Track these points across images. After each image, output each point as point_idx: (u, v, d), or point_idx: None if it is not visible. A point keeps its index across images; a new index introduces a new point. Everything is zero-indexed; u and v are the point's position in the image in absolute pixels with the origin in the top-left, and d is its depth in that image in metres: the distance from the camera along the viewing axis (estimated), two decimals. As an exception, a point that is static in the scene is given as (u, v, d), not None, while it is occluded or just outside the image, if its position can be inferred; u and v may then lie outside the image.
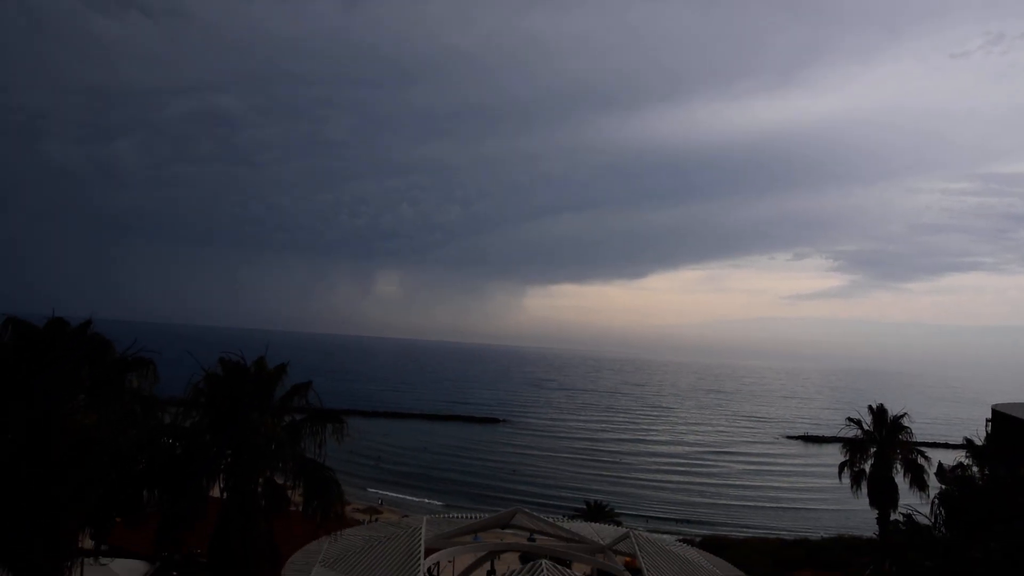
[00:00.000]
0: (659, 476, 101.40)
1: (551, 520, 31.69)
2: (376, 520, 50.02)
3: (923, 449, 39.53)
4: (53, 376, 18.56)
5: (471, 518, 31.46)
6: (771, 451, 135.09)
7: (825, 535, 60.08)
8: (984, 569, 16.05)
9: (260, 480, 20.88)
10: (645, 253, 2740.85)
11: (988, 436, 30.31)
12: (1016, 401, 35.70)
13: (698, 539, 54.62)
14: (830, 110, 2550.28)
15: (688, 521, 74.39)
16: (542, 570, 19.92)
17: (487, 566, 37.81)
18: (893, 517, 34.12)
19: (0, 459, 16.83)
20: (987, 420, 31.92)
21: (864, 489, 38.72)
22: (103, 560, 29.59)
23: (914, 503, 27.64)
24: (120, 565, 31.19)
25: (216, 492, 20.65)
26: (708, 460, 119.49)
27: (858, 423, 40.28)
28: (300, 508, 20.75)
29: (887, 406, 40.72)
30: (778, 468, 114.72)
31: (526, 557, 32.78)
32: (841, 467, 40.14)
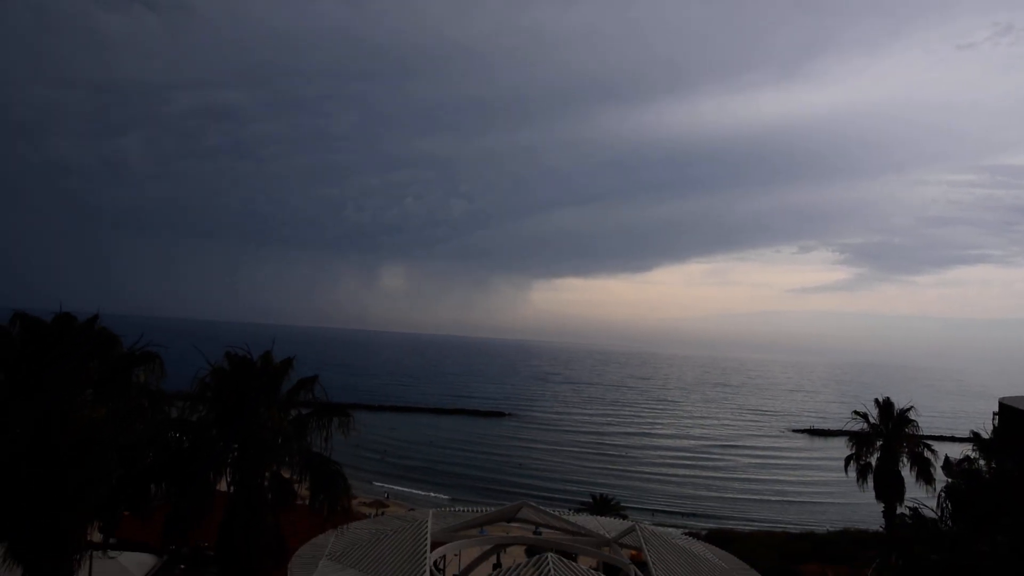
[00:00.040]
0: (665, 470, 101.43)
1: (557, 513, 31.74)
2: (382, 514, 50.27)
3: (929, 442, 39.39)
4: (61, 371, 18.65)
5: (477, 512, 31.50)
6: (777, 445, 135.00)
7: (831, 528, 60.10)
8: (991, 563, 16.00)
9: (267, 474, 20.93)
10: (650, 246, 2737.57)
11: (995, 429, 30.10)
12: (1023, 395, 35.51)
13: (704, 532, 54.57)
14: (835, 102, 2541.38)
15: (694, 514, 74.48)
16: (548, 563, 19.92)
17: (493, 559, 37.91)
18: (899, 511, 34.09)
19: (9, 453, 16.94)
20: (994, 413, 31.69)
21: (870, 483, 38.66)
22: (111, 553, 29.85)
23: (920, 497, 27.61)
24: (128, 558, 31.43)
25: (223, 486, 20.72)
26: (714, 454, 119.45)
27: (864, 417, 40.18)
28: (307, 502, 20.79)
29: (893, 399, 40.64)
30: (784, 462, 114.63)
31: (532, 550, 32.88)
32: (847, 461, 40.06)
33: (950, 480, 21.20)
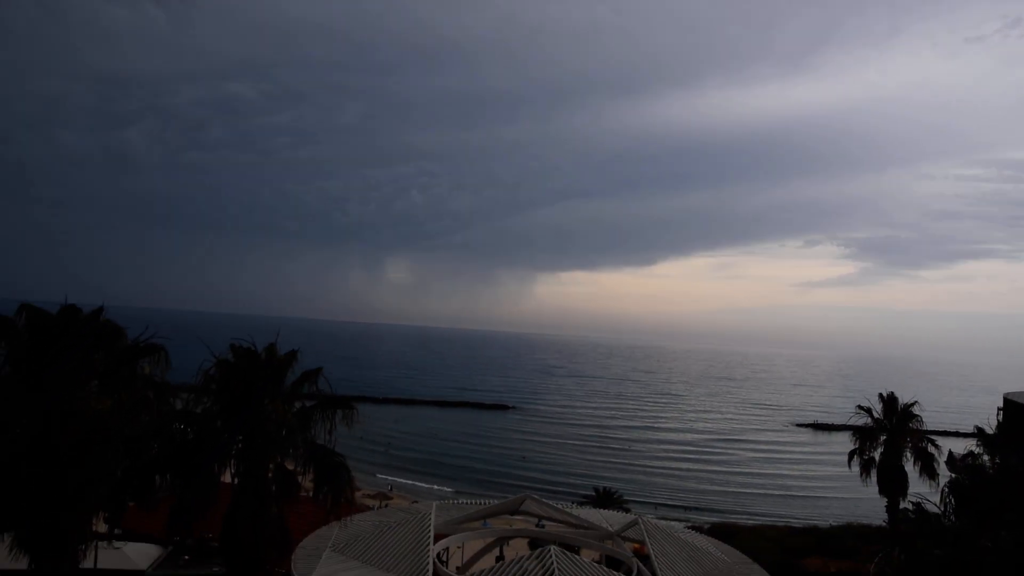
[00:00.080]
0: (668, 463, 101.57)
1: (560, 506, 31.81)
2: (386, 506, 50.40)
3: (933, 437, 39.36)
4: (66, 362, 18.71)
5: (480, 504, 31.61)
6: (781, 439, 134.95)
7: (834, 523, 60.03)
8: (994, 558, 15.98)
9: (271, 466, 20.98)
10: (655, 240, 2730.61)
11: (1000, 425, 30.03)
12: (1029, 390, 35.37)
13: (707, 526, 54.66)
14: (841, 96, 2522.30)
15: (697, 508, 74.55)
16: (551, 556, 19.98)
17: (496, 552, 38.02)
18: (903, 505, 34.10)
19: (15, 445, 17.03)
20: (999, 408, 31.62)
21: (874, 477, 38.68)
22: (116, 544, 29.96)
23: (924, 491, 27.56)
24: (133, 549, 31.61)
25: (227, 478, 20.80)
26: (718, 447, 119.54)
27: (868, 411, 40.15)
28: (311, 494, 20.89)
29: (897, 394, 40.58)
30: (788, 456, 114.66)
31: (535, 543, 33.00)
32: (851, 455, 40.07)
33: (954, 475, 21.19)
